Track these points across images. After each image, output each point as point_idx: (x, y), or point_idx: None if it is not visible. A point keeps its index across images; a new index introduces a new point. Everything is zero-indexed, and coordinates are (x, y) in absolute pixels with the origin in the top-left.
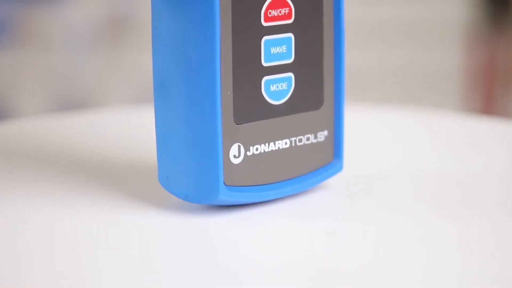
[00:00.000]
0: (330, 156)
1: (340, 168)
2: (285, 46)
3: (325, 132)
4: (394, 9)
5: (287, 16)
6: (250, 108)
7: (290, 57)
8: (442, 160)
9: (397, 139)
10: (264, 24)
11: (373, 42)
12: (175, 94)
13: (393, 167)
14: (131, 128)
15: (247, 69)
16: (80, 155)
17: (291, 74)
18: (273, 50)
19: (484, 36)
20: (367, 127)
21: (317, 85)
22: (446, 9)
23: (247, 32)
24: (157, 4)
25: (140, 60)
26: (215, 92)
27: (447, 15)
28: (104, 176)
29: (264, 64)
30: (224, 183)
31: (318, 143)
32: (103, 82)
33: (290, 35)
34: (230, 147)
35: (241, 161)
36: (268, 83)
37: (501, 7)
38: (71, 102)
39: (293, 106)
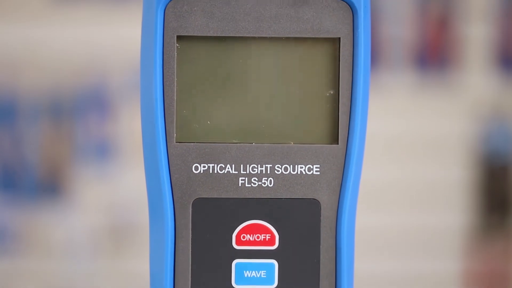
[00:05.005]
0: None
1: None
2: (265, 271)
3: None
4: (393, 218)
5: (268, 243)
6: None
7: (272, 283)
8: None
9: None
10: (236, 247)
11: (367, 252)
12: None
13: None
14: None
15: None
16: None
17: None
18: (248, 273)
19: (481, 243)
20: None
21: None
22: (443, 216)
23: (213, 251)
24: None
25: (140, 267)
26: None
27: (444, 222)
28: None
29: (235, 286)
30: None
31: None
32: None
33: (272, 261)
34: None
35: None
36: None
37: (499, 214)
38: None
39: None
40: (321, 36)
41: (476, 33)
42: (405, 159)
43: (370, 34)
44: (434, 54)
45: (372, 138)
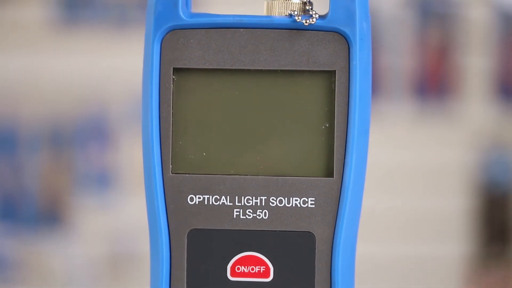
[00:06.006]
0: None
1: None
2: None
3: None
4: (393, 248)
5: (263, 275)
6: None
7: None
8: None
9: None
10: (231, 278)
11: (367, 283)
12: None
13: None
14: None
15: None
16: None
17: None
18: None
19: (481, 272)
20: None
21: None
22: (443, 246)
23: (208, 282)
24: None
25: None
26: None
27: (444, 251)
28: None
29: None
30: None
31: None
32: None
33: None
34: None
35: None
36: None
37: (499, 243)
38: None
39: None
40: (317, 68)
41: (475, 63)
42: (404, 188)
43: (370, 66)
44: (434, 83)
45: (372, 167)
